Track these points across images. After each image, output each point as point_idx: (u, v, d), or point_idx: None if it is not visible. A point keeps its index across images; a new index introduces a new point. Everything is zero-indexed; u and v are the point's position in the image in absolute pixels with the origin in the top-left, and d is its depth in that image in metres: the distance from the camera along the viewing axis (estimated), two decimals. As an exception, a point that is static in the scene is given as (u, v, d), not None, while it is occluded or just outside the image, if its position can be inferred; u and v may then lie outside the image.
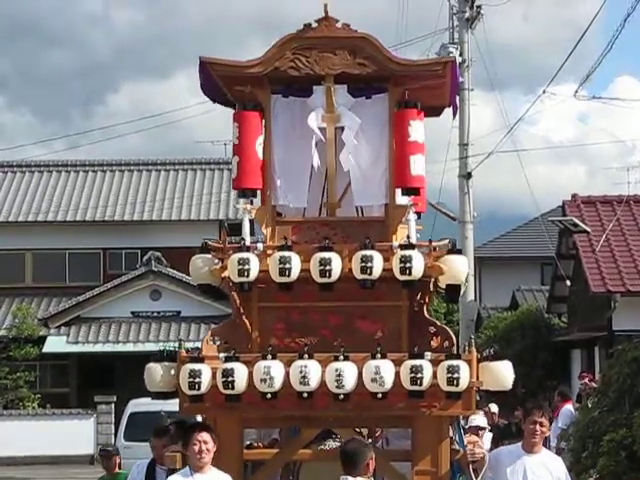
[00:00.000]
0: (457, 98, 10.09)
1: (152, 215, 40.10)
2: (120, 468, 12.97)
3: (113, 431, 31.55)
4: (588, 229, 27.52)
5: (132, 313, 37.60)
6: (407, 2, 64.19)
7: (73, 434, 33.36)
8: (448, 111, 10.06)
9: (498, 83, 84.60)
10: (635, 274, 26.47)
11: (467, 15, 30.01)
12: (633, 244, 27.53)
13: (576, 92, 25.69)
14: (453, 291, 8.95)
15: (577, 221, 27.48)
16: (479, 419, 13.57)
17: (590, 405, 17.35)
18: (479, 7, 30.04)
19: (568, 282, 29.44)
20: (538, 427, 9.22)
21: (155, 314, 37.58)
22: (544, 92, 28.59)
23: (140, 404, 23.18)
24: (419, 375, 8.20)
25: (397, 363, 8.28)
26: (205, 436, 8.33)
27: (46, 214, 40.04)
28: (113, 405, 33.97)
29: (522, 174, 41.45)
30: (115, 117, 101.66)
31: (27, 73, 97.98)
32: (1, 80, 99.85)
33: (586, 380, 21.87)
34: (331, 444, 9.11)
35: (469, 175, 29.73)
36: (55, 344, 36.83)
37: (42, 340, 36.79)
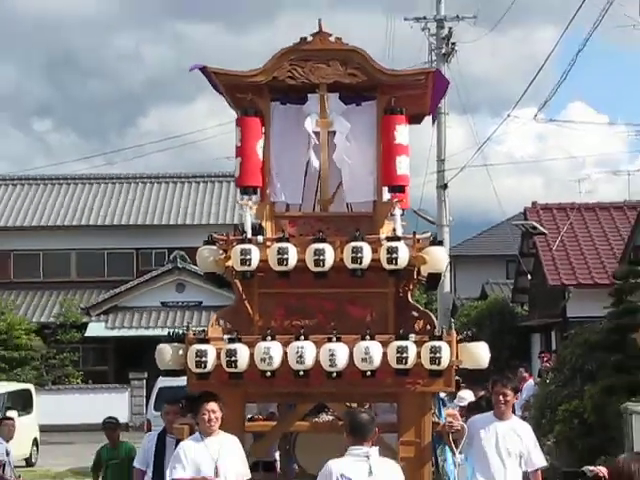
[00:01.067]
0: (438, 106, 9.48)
1: (177, 220, 39.79)
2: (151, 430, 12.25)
3: (145, 403, 30.97)
4: (545, 231, 27.31)
5: (161, 303, 37.19)
6: (391, 40, 63.84)
7: (111, 406, 32.55)
8: (428, 129, 9.52)
9: (470, 108, 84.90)
10: (585, 269, 26.17)
11: (443, 51, 29.66)
12: (583, 244, 27.24)
13: (535, 116, 25.49)
14: (434, 279, 8.55)
15: (536, 225, 27.32)
16: (469, 398, 12.88)
17: (548, 381, 17.22)
18: (454, 44, 29.67)
19: (529, 276, 29.28)
20: (502, 397, 8.80)
21: (180, 304, 37.12)
22: (508, 116, 28.41)
23: (168, 380, 22.51)
24: (404, 355, 7.72)
25: (384, 344, 7.80)
26: (213, 405, 7.90)
27: (88, 219, 39.87)
28: (145, 381, 33.52)
29: (490, 185, 41.51)
30: (145, 137, 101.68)
31: (71, 100, 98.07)
32: (50, 106, 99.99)
33: (545, 359, 21.62)
34: (324, 417, 8.67)
35: (445, 186, 29.30)
36: (95, 329, 36.50)
37: (84, 326, 36.52)
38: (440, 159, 29.37)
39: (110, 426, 12.01)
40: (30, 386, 27.55)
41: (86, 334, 36.23)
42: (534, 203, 29.13)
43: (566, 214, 28.21)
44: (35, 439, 25.83)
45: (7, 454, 11.79)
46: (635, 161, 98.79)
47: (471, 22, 29.89)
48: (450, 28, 29.55)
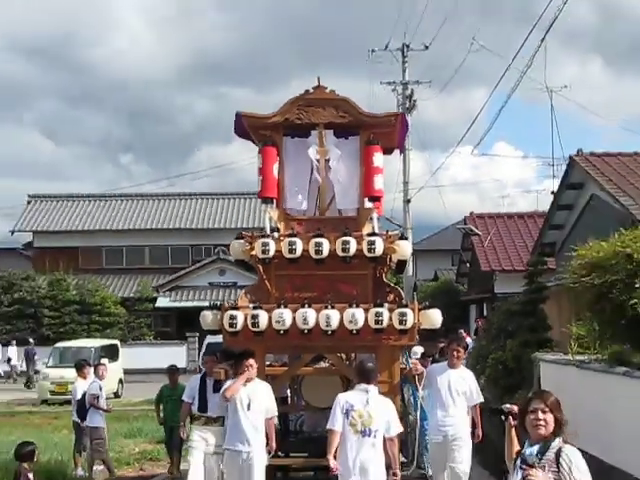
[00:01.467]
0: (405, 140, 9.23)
1: (220, 225, 39.34)
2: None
3: (197, 354, 30.71)
4: (479, 233, 27.08)
5: (208, 283, 36.88)
6: (371, 97, 63.71)
7: (173, 356, 31.94)
8: (396, 159, 9.29)
9: (426, 145, 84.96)
10: (507, 260, 25.93)
11: (407, 105, 29.36)
12: (506, 242, 27.00)
13: (472, 151, 25.42)
14: (401, 265, 8.49)
15: (473, 228, 27.13)
16: (419, 352, 12.66)
17: (481, 338, 16.99)
18: (415, 100, 29.46)
19: (468, 264, 28.86)
20: (455, 353, 8.58)
21: (222, 284, 36.80)
22: (453, 151, 28.23)
23: (213, 337, 22.15)
24: (380, 318, 7.56)
25: (366, 311, 7.62)
26: (251, 361, 7.58)
27: (157, 224, 39.60)
28: (197, 338, 33.11)
29: (440, 200, 41.37)
30: (197, 166, 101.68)
31: (146, 140, 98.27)
32: (131, 144, 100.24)
33: (479, 323, 21.41)
34: (323, 364, 8.41)
35: (409, 201, 29.02)
36: (163, 302, 36.24)
37: (155, 300, 36.30)
38: (405, 181, 29.11)
39: (171, 371, 11.79)
40: (117, 342, 27.46)
41: (156, 305, 36.00)
42: (471, 213, 28.87)
43: (494, 220, 28.00)
44: (120, 379, 25.65)
45: (100, 389, 11.59)
46: (542, 183, 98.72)
47: (427, 85, 29.82)
48: (412, 89, 29.43)
